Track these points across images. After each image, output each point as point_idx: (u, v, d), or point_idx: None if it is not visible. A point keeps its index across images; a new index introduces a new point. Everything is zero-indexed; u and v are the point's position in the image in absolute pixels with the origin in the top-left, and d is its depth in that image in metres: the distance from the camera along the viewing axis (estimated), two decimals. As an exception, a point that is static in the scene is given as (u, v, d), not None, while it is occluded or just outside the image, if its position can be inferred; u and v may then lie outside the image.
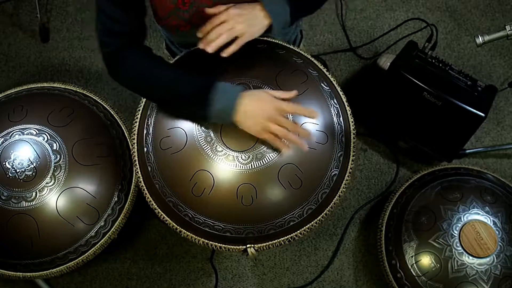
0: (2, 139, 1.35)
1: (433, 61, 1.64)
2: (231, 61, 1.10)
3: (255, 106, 1.01)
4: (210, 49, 1.02)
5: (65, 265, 1.38)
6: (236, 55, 1.20)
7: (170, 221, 1.13)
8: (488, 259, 1.42)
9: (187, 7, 1.11)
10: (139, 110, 1.21)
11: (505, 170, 1.88)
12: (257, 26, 1.06)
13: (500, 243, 1.43)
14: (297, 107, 1.04)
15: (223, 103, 1.00)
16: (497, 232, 1.45)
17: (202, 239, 1.12)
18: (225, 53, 1.03)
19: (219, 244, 1.12)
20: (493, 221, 1.46)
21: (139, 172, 1.16)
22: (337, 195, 1.13)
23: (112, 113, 1.51)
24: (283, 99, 1.04)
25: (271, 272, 1.75)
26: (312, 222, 1.12)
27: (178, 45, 1.34)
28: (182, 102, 1.06)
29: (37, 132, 1.36)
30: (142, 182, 1.16)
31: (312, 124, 1.11)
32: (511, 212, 1.49)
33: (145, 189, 1.15)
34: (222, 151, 1.07)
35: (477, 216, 1.47)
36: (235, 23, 1.02)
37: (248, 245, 1.11)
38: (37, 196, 1.32)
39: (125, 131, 1.49)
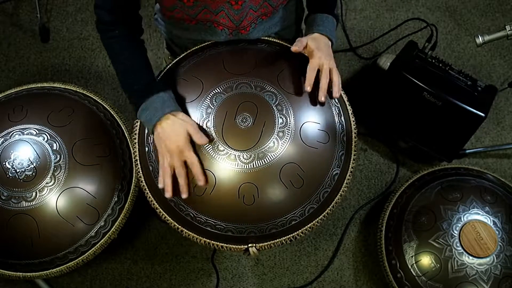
0: (2, 139, 1.35)
1: (433, 61, 1.64)
2: (232, 61, 1.10)
3: (165, 136, 1.06)
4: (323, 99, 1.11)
5: (65, 265, 1.37)
6: (237, 55, 1.21)
7: (171, 220, 1.13)
8: (488, 259, 1.42)
9: (191, 3, 1.10)
10: (140, 109, 1.21)
11: (505, 170, 1.88)
12: (331, 51, 1.17)
13: (500, 243, 1.44)
14: (194, 162, 1.04)
15: (145, 117, 1.09)
16: (497, 232, 1.45)
17: (204, 239, 1.12)
18: (338, 94, 1.12)
19: (220, 244, 1.11)
20: (493, 221, 1.46)
21: (141, 172, 1.16)
22: (339, 194, 1.13)
23: (112, 113, 1.51)
24: (193, 139, 1.06)
25: (271, 272, 1.75)
26: (314, 222, 1.12)
27: (179, 44, 1.34)
28: (127, 94, 1.16)
29: (37, 132, 1.36)
30: (144, 181, 1.15)
31: (314, 124, 1.11)
32: (511, 212, 1.49)
33: (146, 189, 1.15)
34: (223, 150, 1.06)
35: (477, 216, 1.47)
36: (328, 62, 1.12)
37: (249, 245, 1.10)
38: (37, 196, 1.31)
39: (125, 131, 1.48)
